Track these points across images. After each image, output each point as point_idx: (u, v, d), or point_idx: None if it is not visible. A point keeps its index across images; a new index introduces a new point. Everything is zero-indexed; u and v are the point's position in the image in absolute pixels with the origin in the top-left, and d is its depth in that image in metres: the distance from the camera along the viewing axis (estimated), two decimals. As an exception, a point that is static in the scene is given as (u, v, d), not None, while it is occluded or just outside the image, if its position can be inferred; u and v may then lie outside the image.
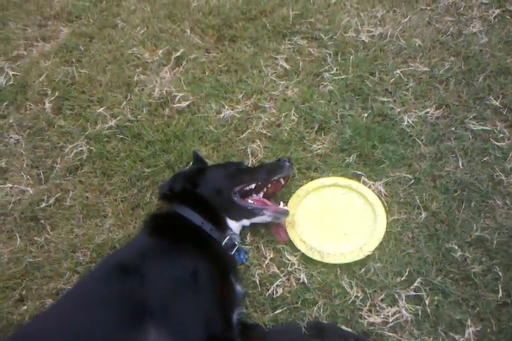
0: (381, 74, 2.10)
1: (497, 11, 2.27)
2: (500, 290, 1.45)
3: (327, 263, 1.59)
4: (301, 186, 1.79)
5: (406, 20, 2.31)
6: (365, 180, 1.77)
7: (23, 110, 2.25)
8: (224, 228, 1.62)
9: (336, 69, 2.15)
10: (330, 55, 2.21)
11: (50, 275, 1.73)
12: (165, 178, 1.87)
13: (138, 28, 2.45)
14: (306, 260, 1.63)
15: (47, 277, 1.73)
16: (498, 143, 1.78)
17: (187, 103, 2.08)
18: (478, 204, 1.65)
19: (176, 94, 2.11)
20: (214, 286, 1.40)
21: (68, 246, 1.79)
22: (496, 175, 1.70)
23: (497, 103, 1.90)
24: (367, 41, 2.24)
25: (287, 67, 2.19)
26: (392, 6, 2.40)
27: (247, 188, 1.68)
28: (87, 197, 1.91)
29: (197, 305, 1.33)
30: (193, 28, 2.41)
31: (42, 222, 1.88)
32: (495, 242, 1.54)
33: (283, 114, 2.01)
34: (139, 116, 2.08)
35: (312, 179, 1.81)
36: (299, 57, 2.23)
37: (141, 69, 2.26)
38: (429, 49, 2.16)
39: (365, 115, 1.96)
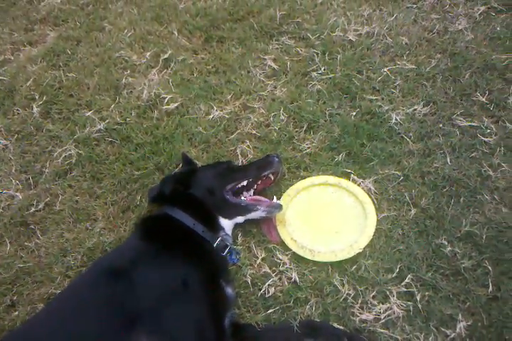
0: (368, 72, 2.12)
1: (482, 8, 2.30)
2: (490, 284, 1.47)
3: (318, 262, 1.60)
4: (291, 185, 1.80)
5: (392, 18, 2.33)
6: (355, 178, 1.79)
7: (11, 115, 2.25)
8: (216, 228, 1.62)
9: (324, 69, 2.16)
10: (317, 54, 2.23)
11: (41, 280, 1.73)
12: (155, 181, 1.88)
13: (125, 31, 2.46)
14: (298, 259, 1.64)
15: (38, 282, 1.73)
16: (486, 139, 1.81)
17: (176, 105, 2.09)
18: (467, 200, 1.67)
19: (165, 96, 2.12)
20: (205, 292, 1.39)
21: (59, 250, 1.79)
22: (484, 171, 1.72)
23: (483, 99, 1.92)
24: (354, 40, 2.26)
25: (275, 67, 2.21)
26: (378, 5, 2.42)
27: (239, 186, 1.70)
28: (76, 201, 1.91)
29: (188, 312, 1.33)
30: (181, 30, 2.42)
31: (32, 227, 1.87)
32: (484, 237, 1.56)
33: (272, 114, 2.03)
34: (128, 119, 2.08)
35: (302, 178, 1.82)
36: (286, 57, 2.24)
37: (129, 71, 2.26)
38: (416, 47, 2.19)
39: (354, 113, 1.98)
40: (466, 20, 2.27)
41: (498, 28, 2.18)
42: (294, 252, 1.64)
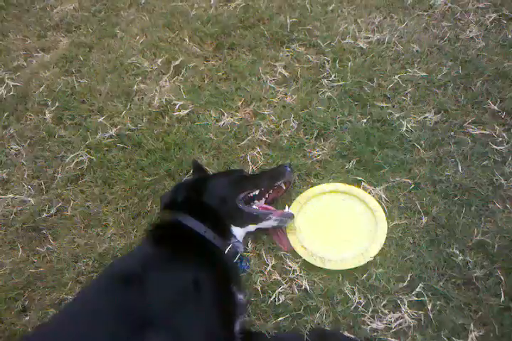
0: (379, 80, 2.14)
1: (493, 16, 2.31)
2: (502, 294, 1.47)
3: (329, 270, 1.61)
4: (301, 193, 1.82)
5: (403, 26, 2.36)
6: (365, 185, 1.80)
7: (24, 120, 2.30)
8: (227, 236, 1.65)
9: (335, 76, 2.19)
10: (328, 61, 2.25)
11: (52, 286, 1.76)
12: (165, 187, 1.91)
13: (137, 38, 2.51)
14: (308, 266, 1.65)
15: (49, 287, 1.76)
16: (497, 147, 1.81)
17: (186, 111, 2.12)
18: (479, 209, 1.68)
19: (176, 102, 2.16)
20: (216, 298, 1.41)
21: (70, 255, 1.82)
22: (496, 179, 1.73)
23: (495, 107, 1.93)
24: (365, 47, 2.28)
25: (286, 74, 2.24)
26: (389, 12, 2.45)
27: (251, 195, 1.72)
28: (88, 207, 1.95)
29: (198, 317, 1.35)
30: (192, 37, 2.46)
31: (43, 232, 1.91)
32: (496, 246, 1.57)
33: (282, 121, 2.05)
34: (139, 125, 2.13)
35: (312, 185, 1.84)
36: (297, 64, 2.27)
37: (140, 78, 2.31)
38: (427, 54, 2.21)
39: (364, 121, 2.00)
40: (478, 27, 2.28)
41: (510, 36, 2.19)
42: (304, 260, 1.65)
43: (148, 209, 1.88)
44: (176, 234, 1.59)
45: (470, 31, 2.27)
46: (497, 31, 2.25)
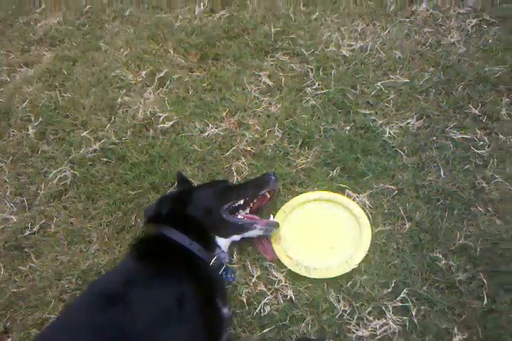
0: (362, 87, 2.26)
1: (474, 21, 2.45)
2: (485, 297, 1.55)
3: (314, 279, 1.69)
4: (286, 202, 1.91)
5: (385, 32, 2.49)
6: (350, 192, 1.89)
7: (7, 137, 2.40)
8: (213, 247, 1.72)
9: (318, 84, 2.30)
10: (312, 70, 2.37)
11: (35, 305, 1.82)
12: (150, 200, 1.99)
13: (121, 50, 2.64)
14: (293, 276, 1.72)
15: (32, 307, 1.82)
16: (479, 151, 1.92)
17: (171, 123, 2.23)
18: (461, 213, 1.76)
19: (160, 114, 2.27)
20: (200, 314, 1.46)
21: (53, 273, 1.88)
22: (478, 183, 1.82)
23: (476, 111, 2.04)
24: (348, 55, 2.41)
25: (270, 83, 2.35)
26: (371, 20, 2.59)
27: (236, 205, 1.80)
28: (71, 223, 2.03)
29: (183, 336, 1.40)
30: (176, 48, 2.59)
31: (26, 250, 1.98)
32: (478, 249, 1.65)
33: (267, 131, 2.16)
34: (124, 138, 2.22)
35: (297, 194, 1.93)
36: (281, 74, 2.39)
37: (124, 91, 2.42)
38: (409, 60, 2.33)
39: (348, 128, 2.11)
40: (459, 33, 2.41)
41: (490, 40, 2.32)
42: (289, 269, 1.73)
43: (133, 223, 1.96)
44: (160, 247, 1.65)
45: (451, 37, 2.40)
46: (478, 36, 2.38)
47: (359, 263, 1.68)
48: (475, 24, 2.44)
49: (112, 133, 2.26)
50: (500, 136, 1.95)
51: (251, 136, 2.15)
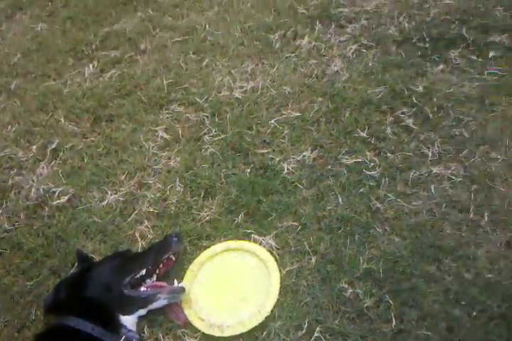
0: (258, 126, 2.42)
1: (354, 47, 2.72)
2: (393, 318, 1.63)
3: (229, 336, 1.70)
4: (194, 258, 1.95)
5: (274, 70, 2.71)
6: (256, 237, 1.97)
7: None
8: (117, 328, 1.70)
9: (215, 131, 2.45)
10: (207, 117, 2.53)
11: None
12: (49, 287, 1.94)
13: (9, 127, 2.70)
14: (208, 339, 1.73)
15: None
16: (371, 172, 2.08)
17: (67, 197, 2.26)
18: (361, 237, 1.88)
19: (55, 189, 2.30)
20: None
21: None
22: (373, 204, 1.97)
23: (364, 134, 2.23)
24: (240, 97, 2.59)
25: (167, 137, 2.48)
26: (260, 59, 2.82)
27: (138, 276, 1.80)
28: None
29: None
30: (67, 116, 2.69)
31: None
32: (381, 270, 1.75)
33: (168, 187, 2.24)
34: (17, 223, 2.21)
35: (204, 248, 1.98)
36: (177, 125, 2.53)
37: (15, 170, 2.45)
38: (298, 94, 2.53)
39: (248, 170, 2.23)
40: (341, 60, 2.67)
41: (370, 64, 2.58)
42: (203, 333, 1.73)
43: (33, 318, 1.89)
44: (62, 339, 1.64)
45: (335, 65, 2.64)
46: (359, 61, 2.63)
47: (271, 310, 1.73)
48: (355, 50, 2.70)
49: (4, 219, 2.25)
50: (388, 154, 2.13)
51: (152, 196, 2.22)
